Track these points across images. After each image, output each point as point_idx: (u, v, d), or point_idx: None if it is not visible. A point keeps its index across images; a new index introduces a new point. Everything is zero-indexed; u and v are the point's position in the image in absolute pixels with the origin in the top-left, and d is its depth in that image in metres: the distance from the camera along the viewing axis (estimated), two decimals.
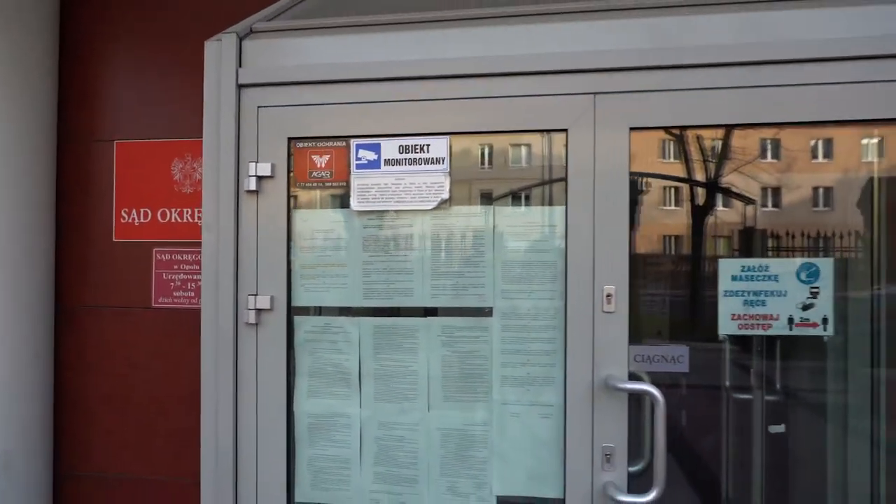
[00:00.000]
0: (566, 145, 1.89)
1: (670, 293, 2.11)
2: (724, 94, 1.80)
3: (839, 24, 1.78)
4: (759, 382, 2.15)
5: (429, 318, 2.01)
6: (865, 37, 1.75)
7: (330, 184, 2.05)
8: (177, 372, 3.21)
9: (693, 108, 1.82)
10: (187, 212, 3.28)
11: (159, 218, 3.30)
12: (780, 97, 1.78)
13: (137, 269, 3.30)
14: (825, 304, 1.83)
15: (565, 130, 1.89)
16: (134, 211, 3.33)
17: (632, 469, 1.92)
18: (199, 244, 3.14)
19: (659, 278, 2.08)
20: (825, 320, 1.83)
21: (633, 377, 1.91)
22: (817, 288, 1.83)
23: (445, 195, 1.97)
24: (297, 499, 2.09)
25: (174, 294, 3.27)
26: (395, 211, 2.01)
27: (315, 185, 2.06)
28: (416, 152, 1.97)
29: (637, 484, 1.91)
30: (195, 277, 3.24)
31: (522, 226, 1.95)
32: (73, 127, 3.38)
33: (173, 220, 3.29)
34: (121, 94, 3.35)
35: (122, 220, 3.34)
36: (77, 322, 3.36)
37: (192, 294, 3.23)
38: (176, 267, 3.29)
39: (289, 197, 2.06)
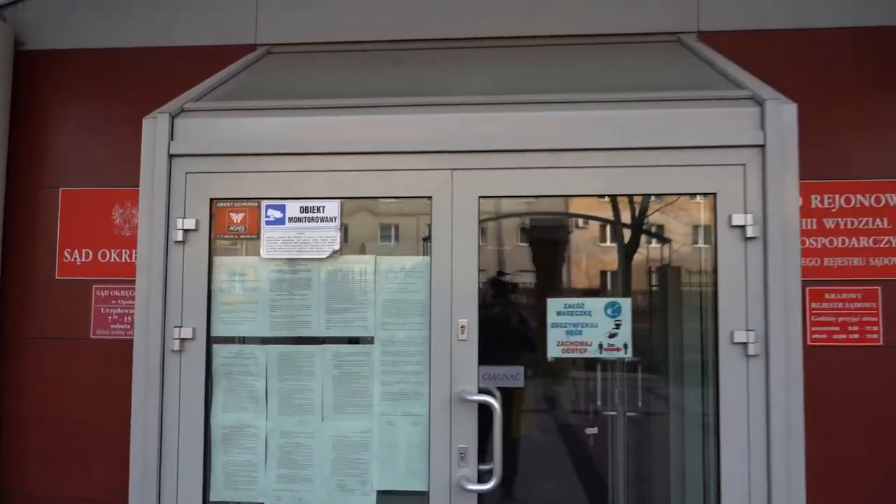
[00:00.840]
0: (431, 209, 2.42)
1: (512, 324, 2.65)
2: (540, 172, 2.37)
3: (617, 125, 2.38)
4: (580, 393, 2.70)
5: (323, 346, 2.48)
6: (631, 134, 2.36)
7: (244, 236, 2.52)
8: (111, 397, 3.55)
9: (521, 182, 2.39)
10: (125, 252, 3.66)
11: (99, 258, 3.68)
12: (575, 177, 2.37)
13: (78, 304, 3.66)
14: (626, 333, 2.39)
15: (430, 197, 2.42)
16: (76, 251, 3.69)
17: (485, 467, 2.40)
18: (134, 281, 3.54)
19: (503, 313, 2.62)
20: (626, 346, 2.39)
21: (485, 392, 2.41)
22: (620, 321, 2.39)
23: (336, 246, 2.47)
24: (212, 498, 2.49)
25: (111, 326, 3.63)
26: (297, 258, 2.49)
27: (232, 237, 2.53)
28: (313, 212, 2.47)
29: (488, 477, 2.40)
30: (131, 311, 3.62)
31: (397, 272, 2.47)
32: (22, 176, 3.74)
33: (112, 260, 3.67)
34: (67, 146, 3.74)
35: (65, 260, 3.70)
36: (19, 353, 3.67)
37: (128, 326, 3.60)
38: (114, 302, 3.65)
39: (210, 246, 2.52)
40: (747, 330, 2.29)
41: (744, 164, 2.32)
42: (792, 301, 2.27)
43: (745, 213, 2.31)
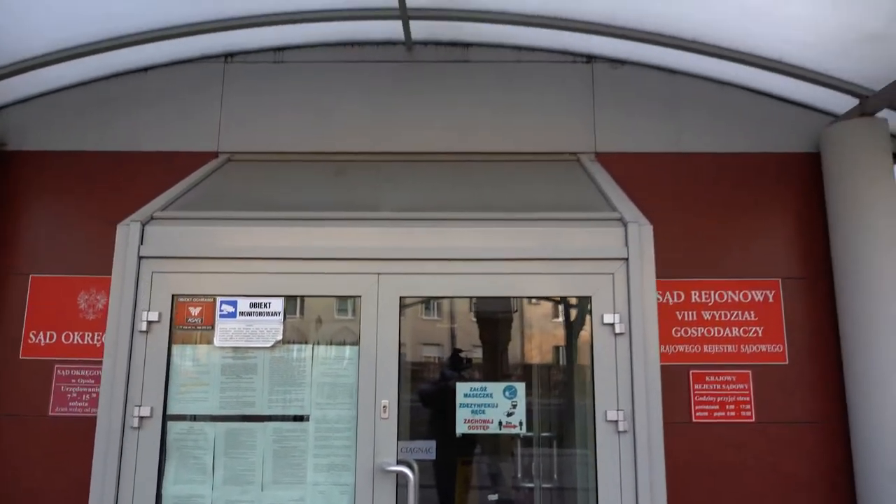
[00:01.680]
0: (360, 307, 2.91)
1: (431, 402, 3.11)
2: (451, 276, 2.90)
3: (516, 239, 2.95)
4: (485, 462, 3.15)
5: (265, 423, 2.89)
6: (513, 247, 2.92)
7: (200, 327, 2.95)
8: (67, 470, 3.80)
9: (434, 284, 2.91)
10: (88, 335, 4.01)
11: (63, 339, 4.01)
12: (480, 281, 2.91)
13: (39, 382, 3.96)
14: (521, 412, 2.88)
15: (360, 296, 2.91)
16: (41, 333, 4.02)
17: None
18: (96, 361, 3.88)
19: (421, 395, 3.08)
20: (521, 423, 2.87)
21: (403, 463, 2.84)
22: (516, 401, 2.88)
23: (279, 337, 2.92)
24: None
25: (70, 404, 3.93)
26: (245, 347, 2.93)
27: (189, 327, 2.96)
28: (261, 307, 2.93)
29: None
30: (89, 390, 3.93)
31: (331, 359, 2.92)
32: None
33: (75, 342, 4.00)
34: (39, 237, 4.13)
35: (30, 341, 4.02)
36: None
37: (87, 404, 3.91)
38: (73, 381, 3.96)
39: (170, 335, 2.93)
40: (618, 409, 2.80)
41: (612, 274, 2.90)
42: (651, 385, 2.80)
43: (615, 312, 2.87)
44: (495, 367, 3.27)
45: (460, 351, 3.18)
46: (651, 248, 2.91)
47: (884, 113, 3.88)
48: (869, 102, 3.80)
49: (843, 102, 3.97)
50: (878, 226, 3.72)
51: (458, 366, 3.17)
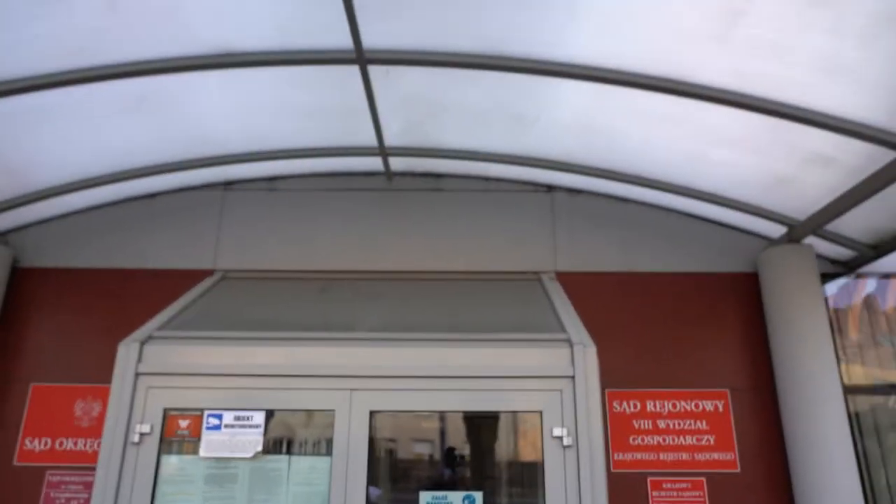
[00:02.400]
0: (334, 419, 3.22)
1: None
2: (418, 392, 3.23)
3: (475, 358, 3.30)
4: None
5: None
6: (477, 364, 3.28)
7: (188, 438, 3.24)
8: None
9: (402, 400, 3.24)
10: (82, 441, 4.26)
11: (57, 446, 4.26)
12: (444, 396, 3.24)
13: (30, 489, 4.16)
14: None
15: (333, 410, 3.23)
16: (37, 440, 4.27)
17: None
18: (87, 468, 4.11)
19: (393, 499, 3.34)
20: None
21: None
22: None
23: (259, 448, 3.21)
24: None
25: None
26: (228, 458, 3.21)
27: (178, 439, 3.25)
28: (244, 420, 3.24)
29: None
30: (78, 496, 4.13)
31: (305, 469, 3.19)
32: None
33: (68, 448, 4.25)
34: (43, 348, 4.46)
35: (25, 448, 4.26)
36: None
37: None
38: (63, 487, 4.17)
39: (160, 446, 3.21)
40: None
41: (560, 390, 3.24)
42: (598, 495, 3.07)
43: (563, 426, 3.18)
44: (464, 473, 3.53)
45: (454, 449, 3.43)
46: (595, 366, 3.26)
47: (810, 239, 4.35)
48: (795, 230, 4.27)
49: (776, 228, 4.45)
50: (810, 339, 4.10)
51: (452, 463, 3.41)
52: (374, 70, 3.46)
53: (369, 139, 4.21)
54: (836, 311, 4.61)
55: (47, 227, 4.75)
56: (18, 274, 4.64)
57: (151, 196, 4.78)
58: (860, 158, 3.44)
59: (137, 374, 3.30)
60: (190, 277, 4.52)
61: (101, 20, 2.97)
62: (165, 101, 3.66)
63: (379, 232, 4.64)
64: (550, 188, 4.77)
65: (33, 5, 2.83)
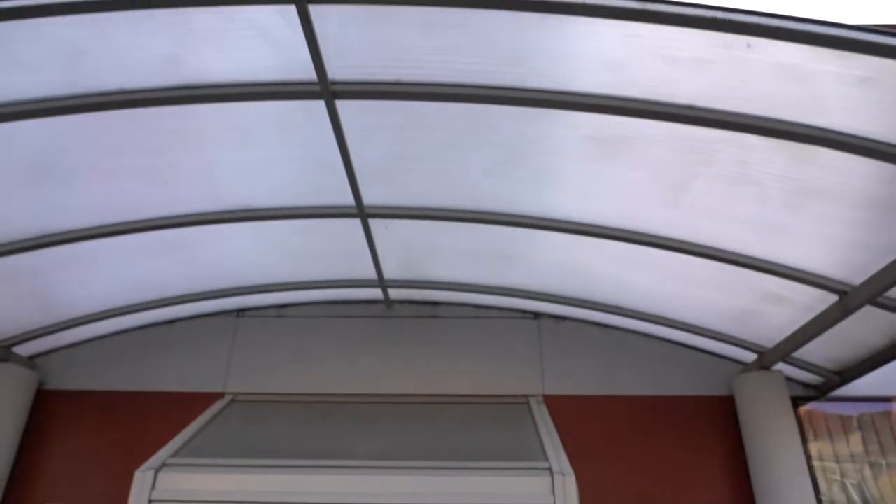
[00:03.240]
0: None
1: None
2: None
3: (465, 486, 3.56)
4: None
5: None
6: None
7: None
8: None
9: None
10: None
11: None
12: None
13: None
14: None
15: None
16: None
17: None
18: None
19: None
20: None
21: None
22: None
23: None
24: None
25: None
26: None
27: None
28: None
29: None
30: None
31: None
32: (17, 491, 4.65)
33: None
34: (60, 467, 4.72)
35: None
36: None
37: None
38: None
39: None
40: None
41: None
42: None
43: None
44: None
45: None
46: (574, 494, 3.51)
47: (781, 365, 4.67)
48: (765, 357, 4.60)
49: (749, 354, 4.77)
50: (783, 458, 4.33)
51: None
52: (374, 222, 3.95)
53: (369, 273, 4.67)
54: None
55: (73, 351, 5.14)
56: (42, 396, 4.99)
57: (170, 322, 5.20)
58: (809, 298, 3.82)
59: (151, 501, 3.57)
60: (202, 400, 4.84)
61: (144, 188, 3.50)
62: (191, 245, 4.16)
63: (379, 357, 4.99)
64: (537, 315, 5.16)
65: (90, 174, 3.36)
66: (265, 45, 2.60)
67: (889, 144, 2.60)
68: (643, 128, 2.89)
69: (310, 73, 2.76)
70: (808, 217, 3.26)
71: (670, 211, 3.48)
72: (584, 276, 4.43)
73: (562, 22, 2.43)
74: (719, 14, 2.23)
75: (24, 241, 3.68)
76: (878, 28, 2.22)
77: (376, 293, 5.04)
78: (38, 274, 4.09)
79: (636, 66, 2.57)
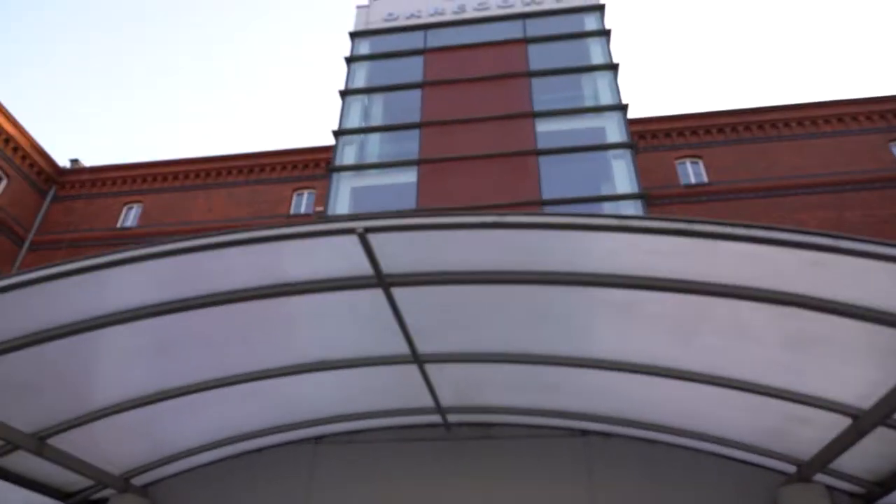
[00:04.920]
0: None
1: None
2: None
3: None
4: None
5: None
6: None
7: None
8: None
9: None
10: None
11: None
12: None
13: None
14: None
15: None
16: None
17: None
18: None
19: None
20: None
21: None
22: None
23: None
24: None
25: None
26: None
27: None
28: None
29: None
30: None
31: None
32: None
33: None
34: None
35: None
36: None
37: None
38: None
39: None
40: None
41: None
42: None
43: None
44: None
45: None
46: None
47: (821, 476, 4.89)
48: (803, 469, 4.85)
49: (790, 466, 5.02)
50: None
51: None
52: (428, 366, 4.61)
53: (428, 402, 5.27)
54: None
55: (173, 480, 5.88)
56: None
57: (259, 451, 5.90)
58: (829, 419, 4.16)
59: None
60: None
61: (244, 354, 4.30)
62: (274, 391, 4.90)
63: (438, 477, 5.49)
64: (584, 433, 5.58)
65: (199, 347, 4.19)
66: (338, 257, 3.40)
67: (851, 305, 3.10)
68: (640, 293, 3.50)
69: (368, 270, 3.52)
70: (809, 356, 3.70)
71: (683, 349, 3.99)
72: (622, 398, 4.90)
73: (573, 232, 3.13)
74: (682, 225, 2.85)
75: (143, 397, 4.52)
76: (817, 231, 2.78)
77: (436, 418, 5.62)
78: (152, 420, 4.91)
79: (626, 255, 3.20)
